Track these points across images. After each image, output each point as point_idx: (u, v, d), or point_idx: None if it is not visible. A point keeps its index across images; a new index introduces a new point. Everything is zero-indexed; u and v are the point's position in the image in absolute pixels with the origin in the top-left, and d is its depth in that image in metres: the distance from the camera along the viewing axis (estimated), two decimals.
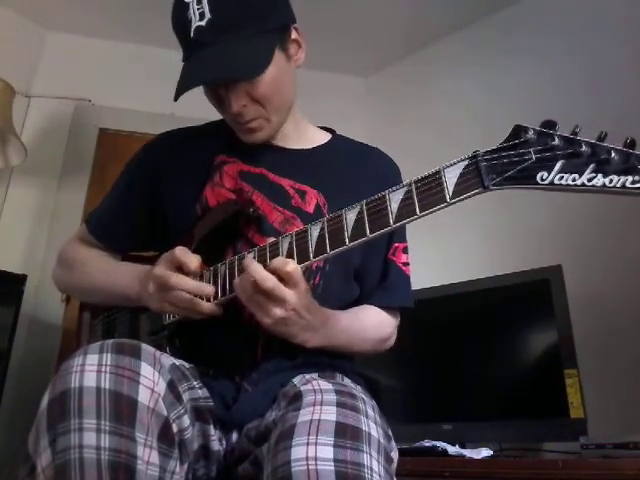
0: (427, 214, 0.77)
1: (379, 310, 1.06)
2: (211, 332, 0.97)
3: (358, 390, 0.87)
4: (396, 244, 1.08)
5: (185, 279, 0.92)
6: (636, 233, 1.86)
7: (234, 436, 0.91)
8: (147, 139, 1.17)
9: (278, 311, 0.84)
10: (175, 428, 0.77)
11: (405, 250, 1.09)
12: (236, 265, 0.92)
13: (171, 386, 0.79)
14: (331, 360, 1.00)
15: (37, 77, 2.59)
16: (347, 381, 0.97)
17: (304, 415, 0.75)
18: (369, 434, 0.75)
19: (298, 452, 0.70)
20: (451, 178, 0.75)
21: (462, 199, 0.75)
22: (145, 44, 2.65)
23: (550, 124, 0.71)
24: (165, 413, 0.75)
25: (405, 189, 0.79)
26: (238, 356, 0.96)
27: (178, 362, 0.88)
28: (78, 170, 2.53)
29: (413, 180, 0.79)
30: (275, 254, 0.88)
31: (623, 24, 2.06)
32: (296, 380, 0.91)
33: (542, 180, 0.70)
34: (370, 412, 0.79)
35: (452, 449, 1.61)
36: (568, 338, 1.64)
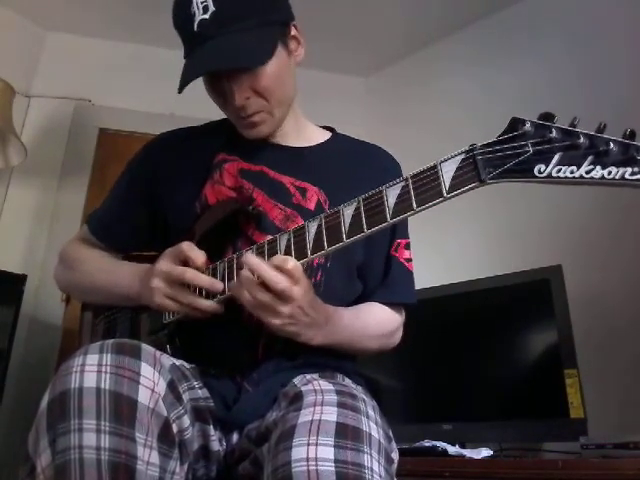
0: (424, 209, 0.77)
1: (382, 307, 1.05)
2: (212, 331, 0.97)
3: (359, 390, 0.87)
4: (398, 240, 1.07)
5: (199, 274, 0.92)
6: (636, 233, 1.86)
7: (235, 437, 0.90)
8: (147, 139, 1.17)
9: (286, 310, 0.84)
10: (175, 428, 0.77)
11: (407, 246, 1.09)
12: (235, 263, 0.92)
13: (171, 386, 0.79)
14: (332, 360, 0.99)
15: (37, 77, 2.59)
16: (348, 381, 0.96)
17: (305, 415, 0.75)
18: (370, 435, 0.74)
19: (298, 452, 0.70)
20: (447, 172, 0.75)
21: (459, 193, 0.74)
22: (145, 44, 2.65)
23: (548, 116, 0.71)
24: (165, 413, 0.75)
25: (402, 184, 0.79)
26: (239, 356, 0.96)
27: (178, 362, 0.88)
28: (78, 170, 2.53)
29: (410, 175, 0.78)
30: (273, 252, 0.87)
31: (623, 24, 2.06)
32: (297, 380, 0.91)
33: (540, 173, 0.69)
34: (371, 413, 0.79)
35: (452, 449, 1.61)
36: (568, 338, 1.64)
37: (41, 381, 1.60)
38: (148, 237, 1.14)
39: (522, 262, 1.85)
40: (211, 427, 0.87)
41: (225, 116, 1.07)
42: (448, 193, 0.74)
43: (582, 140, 0.67)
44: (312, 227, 0.85)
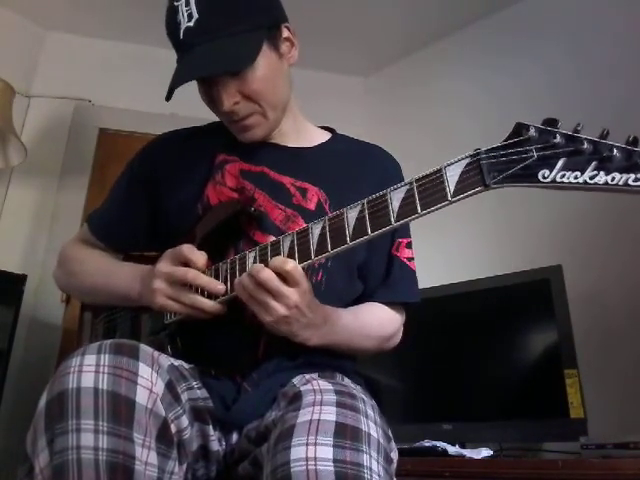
0: (428, 213, 0.77)
1: (383, 307, 1.05)
2: (213, 332, 0.97)
3: (358, 390, 0.87)
4: (399, 239, 1.07)
5: (201, 275, 0.92)
6: (636, 233, 1.86)
7: (234, 437, 0.90)
8: (147, 139, 1.17)
9: (280, 309, 0.84)
10: (174, 428, 0.77)
11: (409, 245, 1.09)
12: (237, 264, 0.92)
13: (169, 386, 0.79)
14: (332, 360, 0.99)
15: (37, 77, 2.59)
16: (347, 381, 0.96)
17: (304, 415, 0.75)
18: (369, 434, 0.74)
19: (298, 452, 0.70)
20: (452, 176, 0.75)
21: (463, 197, 0.74)
22: (145, 44, 2.65)
23: (552, 122, 0.71)
24: (163, 413, 0.75)
25: (406, 188, 0.79)
26: (239, 356, 0.96)
27: (177, 362, 0.88)
28: (78, 170, 2.53)
29: (414, 179, 0.78)
30: (276, 253, 0.88)
31: (623, 25, 2.05)
32: (296, 380, 0.91)
33: (544, 178, 0.69)
34: (370, 412, 0.79)
35: (452, 449, 1.61)
36: (568, 338, 1.64)
37: (41, 381, 1.59)
38: (148, 237, 1.14)
39: (522, 262, 1.85)
40: (210, 427, 0.87)
41: None
42: (453, 197, 0.74)
43: (586, 146, 0.68)
44: (316, 229, 0.85)
